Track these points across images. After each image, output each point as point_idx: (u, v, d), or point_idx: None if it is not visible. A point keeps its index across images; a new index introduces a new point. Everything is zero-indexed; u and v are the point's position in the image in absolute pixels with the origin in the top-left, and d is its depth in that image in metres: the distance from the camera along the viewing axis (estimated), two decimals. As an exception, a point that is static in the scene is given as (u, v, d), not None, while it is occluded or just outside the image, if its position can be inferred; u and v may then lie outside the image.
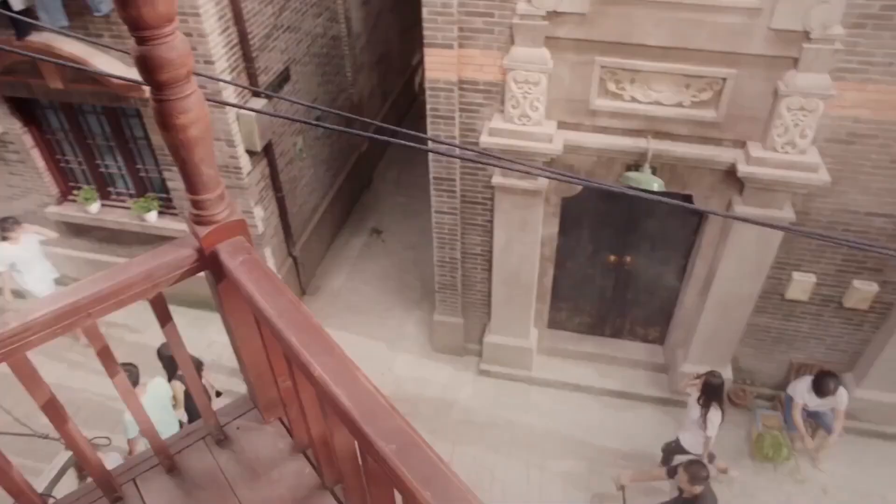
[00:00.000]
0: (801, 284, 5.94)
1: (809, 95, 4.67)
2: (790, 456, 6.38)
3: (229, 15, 5.84)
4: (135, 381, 5.38)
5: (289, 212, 7.42)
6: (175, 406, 5.81)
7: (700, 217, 5.90)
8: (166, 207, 7.16)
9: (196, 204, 1.72)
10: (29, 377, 1.68)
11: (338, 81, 8.47)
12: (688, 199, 5.50)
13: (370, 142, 9.47)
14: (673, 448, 5.97)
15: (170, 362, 5.67)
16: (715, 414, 5.51)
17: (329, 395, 1.36)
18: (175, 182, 6.75)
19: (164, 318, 1.89)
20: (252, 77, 6.27)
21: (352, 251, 8.95)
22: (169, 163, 6.57)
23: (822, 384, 5.84)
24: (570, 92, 5.22)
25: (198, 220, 1.74)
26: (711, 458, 5.79)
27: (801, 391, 6.05)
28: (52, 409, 1.79)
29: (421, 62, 11.59)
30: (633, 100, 5.17)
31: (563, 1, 4.71)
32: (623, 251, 6.43)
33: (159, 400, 5.55)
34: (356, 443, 1.41)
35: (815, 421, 6.37)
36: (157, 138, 6.39)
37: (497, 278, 6.48)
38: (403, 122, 11.22)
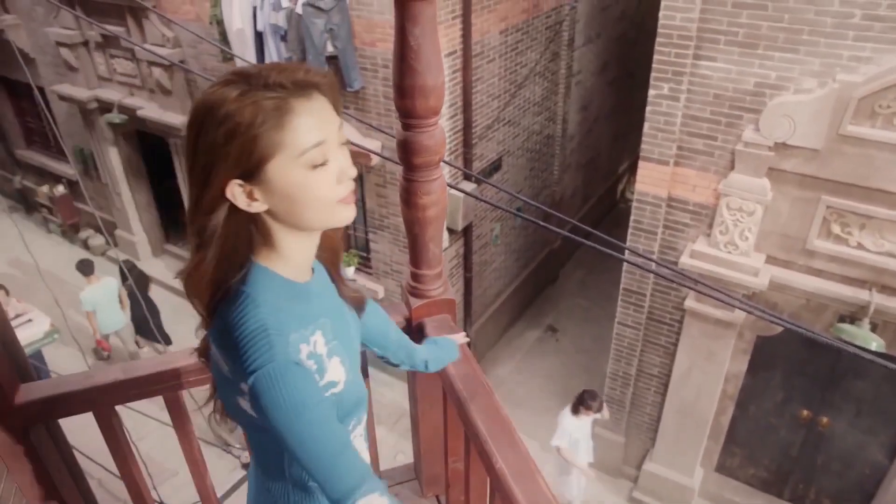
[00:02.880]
0: None
1: None
2: None
3: (459, 103, 6.35)
4: (90, 272, 7.54)
5: (473, 293, 7.65)
6: (122, 307, 7.87)
7: (923, 390, 5.17)
8: (363, 265, 7.71)
9: (415, 277, 1.85)
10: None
11: (544, 177, 8.74)
12: (911, 366, 4.85)
13: (563, 240, 9.56)
14: None
15: (124, 273, 7.65)
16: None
17: (505, 490, 1.36)
18: (377, 244, 7.28)
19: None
20: (467, 162, 6.68)
21: (524, 343, 8.94)
22: (376, 226, 7.12)
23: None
24: (787, 227, 4.93)
25: (412, 292, 1.87)
26: None
27: None
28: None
29: (627, 171, 11.68)
30: (860, 247, 4.75)
31: (796, 134, 4.52)
32: (819, 409, 5.77)
33: (109, 291, 7.62)
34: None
35: None
36: (370, 202, 6.99)
37: (670, 405, 6.10)
38: (599, 226, 11.22)
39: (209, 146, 0.99)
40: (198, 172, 1.02)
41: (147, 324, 7.55)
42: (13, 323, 6.86)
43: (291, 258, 1.13)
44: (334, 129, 1.06)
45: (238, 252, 1.08)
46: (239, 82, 1.00)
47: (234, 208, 1.03)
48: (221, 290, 1.09)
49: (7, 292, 6.75)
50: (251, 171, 1.01)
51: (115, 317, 7.74)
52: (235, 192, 1.02)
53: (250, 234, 1.08)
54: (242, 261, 1.09)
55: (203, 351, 1.25)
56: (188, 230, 1.09)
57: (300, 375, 1.04)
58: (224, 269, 1.08)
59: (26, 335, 6.52)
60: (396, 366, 1.63)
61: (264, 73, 1.00)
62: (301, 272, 1.16)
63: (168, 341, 8.12)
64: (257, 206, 1.04)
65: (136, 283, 7.58)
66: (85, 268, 7.49)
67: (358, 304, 1.38)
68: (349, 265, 7.61)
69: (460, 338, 1.77)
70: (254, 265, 1.09)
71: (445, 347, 1.71)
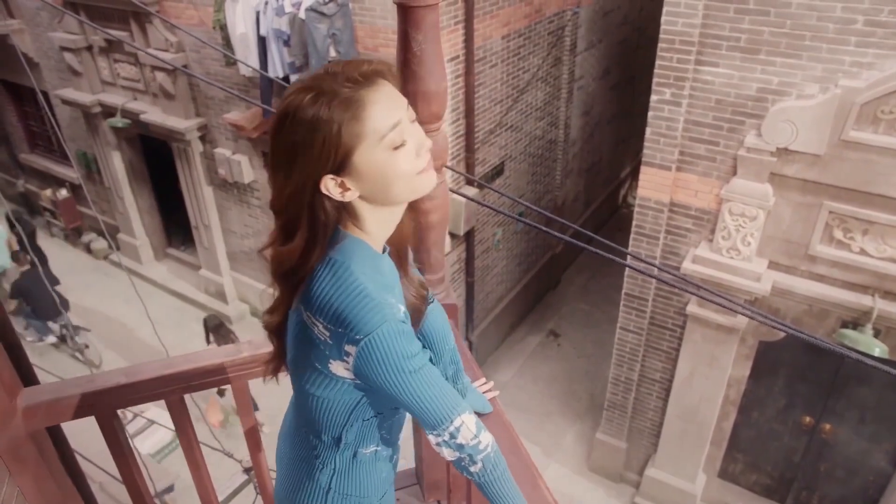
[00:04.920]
0: None
1: None
2: None
3: (462, 108, 6.36)
4: None
5: (475, 298, 7.65)
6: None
7: (926, 397, 5.16)
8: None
9: (417, 281, 1.85)
10: (244, 403, 1.87)
11: (546, 182, 8.74)
12: (914, 373, 4.84)
13: (565, 245, 9.56)
14: None
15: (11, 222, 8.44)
16: None
17: (507, 495, 1.36)
18: (379, 249, 7.29)
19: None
20: (469, 167, 6.69)
21: (526, 347, 8.93)
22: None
23: None
24: (789, 233, 4.93)
25: (415, 296, 1.87)
26: None
27: None
28: (253, 435, 1.97)
29: (629, 176, 11.69)
30: (863, 252, 4.74)
31: (798, 140, 4.52)
32: (822, 415, 5.75)
33: None
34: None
35: None
36: (373, 207, 6.99)
37: (672, 410, 6.09)
38: (600, 231, 11.21)
39: (293, 146, 1.08)
40: (284, 170, 1.11)
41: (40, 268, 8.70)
42: (133, 428, 6.04)
43: (374, 232, 1.22)
44: (404, 109, 1.13)
45: (327, 231, 1.16)
46: (312, 86, 1.08)
47: (325, 197, 1.12)
48: (308, 265, 1.17)
49: None
50: (340, 165, 1.10)
51: (1, 258, 8.79)
52: (329, 186, 1.11)
53: (340, 215, 1.17)
54: (330, 236, 1.17)
55: (274, 325, 1.30)
56: (275, 218, 1.17)
57: (406, 331, 1.13)
58: (312, 248, 1.16)
59: (152, 443, 6.18)
60: None
61: (332, 73, 1.09)
62: (380, 246, 1.25)
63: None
64: (350, 195, 1.14)
65: (24, 230, 8.43)
66: None
67: (416, 314, 1.33)
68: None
69: (491, 393, 1.73)
70: (346, 236, 1.18)
71: (481, 400, 1.67)
